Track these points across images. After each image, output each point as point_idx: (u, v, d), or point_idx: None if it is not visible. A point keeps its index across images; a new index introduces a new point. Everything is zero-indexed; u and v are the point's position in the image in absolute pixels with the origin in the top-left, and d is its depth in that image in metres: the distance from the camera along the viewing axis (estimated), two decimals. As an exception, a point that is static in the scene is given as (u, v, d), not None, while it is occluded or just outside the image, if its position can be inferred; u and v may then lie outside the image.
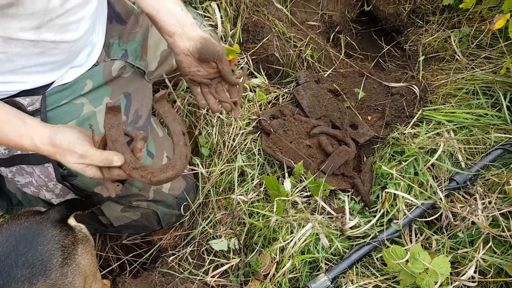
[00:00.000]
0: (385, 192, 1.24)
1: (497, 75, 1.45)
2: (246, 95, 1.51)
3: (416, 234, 1.20)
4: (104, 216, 1.23)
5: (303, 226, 1.18)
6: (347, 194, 1.34)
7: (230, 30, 1.55)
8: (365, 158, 1.44)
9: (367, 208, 1.31)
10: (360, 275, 1.16)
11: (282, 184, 1.24)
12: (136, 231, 1.34)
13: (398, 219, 1.21)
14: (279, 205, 1.19)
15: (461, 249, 1.14)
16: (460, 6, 1.58)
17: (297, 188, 1.26)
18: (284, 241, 1.14)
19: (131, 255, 1.36)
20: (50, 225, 0.93)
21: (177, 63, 1.07)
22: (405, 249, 1.09)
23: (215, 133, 1.42)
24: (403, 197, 1.22)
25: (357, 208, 1.30)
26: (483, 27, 1.63)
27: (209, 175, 1.37)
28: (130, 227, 1.28)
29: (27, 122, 0.86)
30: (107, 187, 0.87)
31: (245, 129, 1.46)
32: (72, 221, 1.01)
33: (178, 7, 1.04)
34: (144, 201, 1.22)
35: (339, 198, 1.33)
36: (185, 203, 1.30)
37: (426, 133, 1.35)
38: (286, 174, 1.27)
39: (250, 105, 1.51)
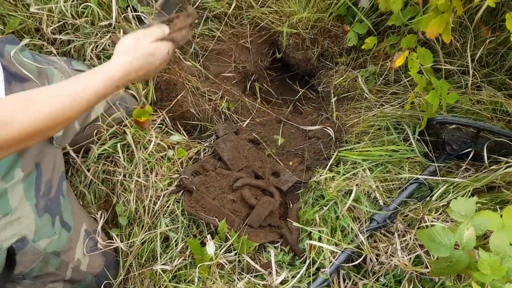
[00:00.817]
0: (307, 243, 1.23)
1: (404, 110, 1.53)
2: (166, 154, 1.47)
3: (344, 280, 1.19)
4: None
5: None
6: (276, 245, 1.32)
7: (143, 90, 1.51)
8: (291, 205, 1.44)
9: (297, 258, 1.29)
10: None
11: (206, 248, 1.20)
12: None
13: (325, 267, 1.20)
14: (203, 272, 1.14)
15: (389, 290, 1.15)
16: (363, 47, 1.67)
17: (222, 248, 1.22)
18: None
19: None
20: None
21: None
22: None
23: (133, 199, 1.36)
24: (326, 242, 1.22)
25: (286, 259, 1.28)
26: (387, 64, 1.73)
27: (130, 246, 1.30)
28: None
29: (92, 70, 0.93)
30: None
31: (166, 190, 1.41)
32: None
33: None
34: (61, 281, 1.12)
35: (268, 251, 1.30)
36: (105, 281, 1.21)
37: (343, 175, 1.37)
38: (209, 236, 1.23)
39: (170, 164, 1.47)
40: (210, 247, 1.17)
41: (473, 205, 0.95)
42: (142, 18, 1.60)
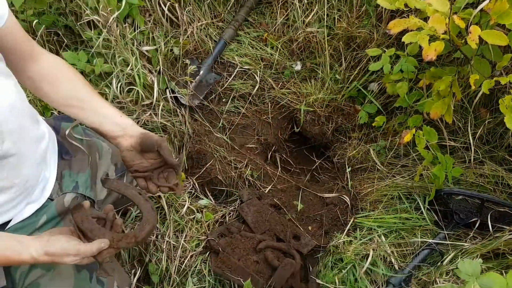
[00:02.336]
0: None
1: (414, 181, 1.66)
2: (194, 217, 1.60)
3: None
4: None
5: None
6: (298, 307, 1.39)
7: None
8: (310, 268, 1.53)
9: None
10: None
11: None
12: None
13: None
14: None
15: None
16: (373, 124, 1.86)
17: (247, 307, 1.30)
18: None
19: None
20: None
21: (122, 159, 1.14)
22: None
23: (164, 258, 1.46)
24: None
25: (307, 319, 1.34)
26: (396, 139, 1.91)
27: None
28: None
29: (21, 240, 0.95)
30: (104, 269, 1.01)
31: (194, 250, 1.52)
32: None
33: (117, 115, 1.15)
34: None
35: (290, 312, 1.37)
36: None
37: (360, 240, 1.48)
38: None
39: (198, 226, 1.59)
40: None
41: (478, 266, 1.05)
42: (179, 97, 1.84)
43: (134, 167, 1.16)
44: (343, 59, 1.94)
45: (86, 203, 1.04)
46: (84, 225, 0.98)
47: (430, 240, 1.43)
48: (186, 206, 1.61)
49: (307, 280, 1.48)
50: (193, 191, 1.68)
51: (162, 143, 1.12)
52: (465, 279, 1.03)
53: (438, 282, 1.27)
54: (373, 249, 1.40)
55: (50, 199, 1.18)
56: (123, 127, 1.13)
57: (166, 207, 1.56)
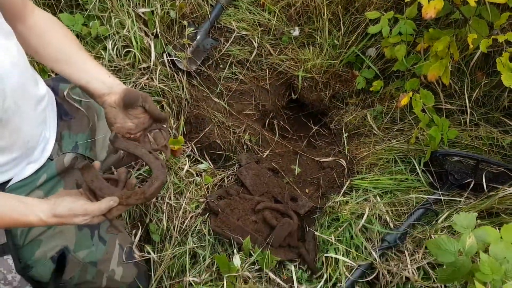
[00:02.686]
0: (325, 256, 1.34)
1: (410, 144, 1.69)
2: (193, 180, 1.63)
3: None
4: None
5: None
6: (295, 263, 1.43)
7: (174, 124, 1.70)
8: (307, 228, 1.56)
9: (314, 276, 1.39)
10: None
11: (233, 260, 1.32)
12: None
13: (341, 283, 1.30)
14: (229, 282, 1.25)
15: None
16: (371, 89, 1.87)
17: (246, 263, 1.33)
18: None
19: None
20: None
21: (105, 116, 1.10)
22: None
23: (165, 219, 1.49)
24: (343, 260, 1.33)
25: (304, 276, 1.38)
26: (393, 104, 1.92)
27: (161, 260, 1.41)
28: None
29: (26, 202, 0.95)
30: (115, 226, 1.02)
31: (194, 212, 1.55)
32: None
33: (106, 75, 1.12)
34: None
35: (288, 269, 1.41)
36: (138, 291, 1.32)
37: (356, 200, 1.51)
38: (235, 250, 1.35)
39: (198, 189, 1.62)
40: (237, 260, 1.29)
41: (473, 219, 1.08)
42: (176, 61, 1.83)
43: (117, 126, 1.10)
44: (341, 24, 1.92)
45: (96, 164, 1.03)
46: (94, 184, 0.98)
47: (425, 197, 1.46)
48: (185, 170, 1.63)
49: (304, 240, 1.51)
50: (192, 155, 1.69)
51: (147, 97, 1.08)
52: (460, 231, 1.06)
53: (433, 238, 1.30)
54: (368, 208, 1.43)
55: (50, 159, 1.19)
56: (110, 86, 1.09)
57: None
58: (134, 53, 1.71)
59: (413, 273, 1.25)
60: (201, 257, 1.41)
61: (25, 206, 0.95)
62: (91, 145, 1.33)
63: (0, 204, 0.93)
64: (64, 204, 0.95)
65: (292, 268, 1.37)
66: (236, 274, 1.27)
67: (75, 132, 1.29)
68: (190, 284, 1.33)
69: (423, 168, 1.62)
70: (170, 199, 1.54)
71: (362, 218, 1.44)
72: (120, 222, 1.06)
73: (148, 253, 1.41)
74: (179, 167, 1.61)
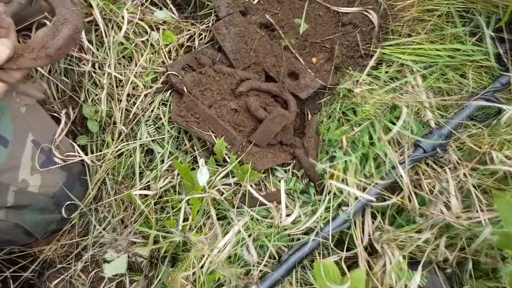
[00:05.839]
0: (330, 175, 0.94)
1: (479, -10, 1.08)
2: (147, 39, 1.10)
3: (369, 224, 0.94)
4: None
5: (226, 232, 0.89)
6: (288, 168, 1.04)
7: None
8: (309, 116, 1.12)
9: (311, 184, 1.02)
10: (301, 281, 0.92)
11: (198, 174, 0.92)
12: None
13: (349, 204, 0.94)
14: (194, 206, 0.88)
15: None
16: None
17: (218, 174, 0.94)
18: (200, 258, 0.86)
19: (12, 269, 1.05)
20: None
21: None
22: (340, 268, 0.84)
23: (105, 98, 1.04)
24: (354, 176, 0.93)
25: (299, 187, 1.01)
26: None
27: (102, 158, 1.02)
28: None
29: None
30: (25, 92, 0.84)
31: (150, 87, 1.08)
32: None
33: None
34: (1, 209, 0.87)
35: (277, 176, 1.03)
36: (68, 202, 0.96)
37: (385, 83, 1.02)
38: (201, 161, 0.94)
39: (155, 52, 1.10)
40: (203, 176, 0.89)
41: None
42: None
43: None
44: None
45: None
46: None
47: (487, 87, 0.97)
48: (134, 22, 1.08)
49: (303, 132, 1.09)
50: (143, -2, 1.11)
51: None
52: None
53: (495, 159, 0.87)
54: (406, 105, 0.95)
55: None
56: None
57: (101, 22, 1.04)
58: None
59: (454, 209, 0.87)
60: (158, 156, 1.01)
61: None
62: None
63: None
64: None
65: (282, 182, 0.98)
66: (202, 195, 0.89)
67: None
68: (142, 196, 0.97)
69: (494, 34, 1.07)
70: (112, 68, 1.05)
71: (391, 111, 0.98)
72: (35, 86, 0.83)
73: (77, 151, 1.00)
74: (123, 17, 1.06)
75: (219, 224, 0.93)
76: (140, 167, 1.01)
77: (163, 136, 1.03)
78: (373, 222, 0.93)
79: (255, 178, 0.92)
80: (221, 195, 0.92)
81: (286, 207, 0.95)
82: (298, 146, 1.05)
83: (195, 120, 0.99)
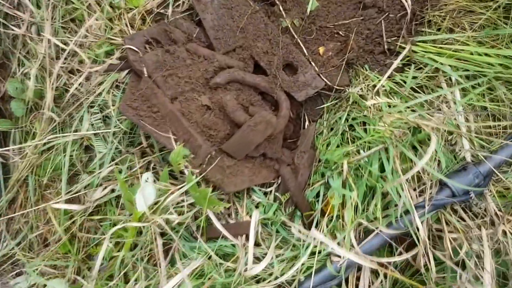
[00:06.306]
0: (323, 206, 0.69)
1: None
2: (106, -3, 0.83)
3: (365, 285, 0.70)
4: None
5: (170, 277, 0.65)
6: (269, 189, 0.80)
7: None
8: (307, 123, 0.86)
9: (298, 214, 0.78)
10: None
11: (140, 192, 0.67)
12: None
13: (341, 253, 0.69)
14: (128, 238, 0.64)
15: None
16: None
17: (169, 195, 0.69)
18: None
19: None
20: None
21: None
22: None
23: (35, 72, 0.78)
24: (351, 220, 0.68)
25: (279, 218, 0.76)
26: None
27: (24, 153, 0.78)
28: None
29: None
30: None
31: (101, 62, 0.82)
32: None
33: None
34: None
35: (253, 200, 0.78)
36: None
37: (408, 97, 0.75)
38: (147, 175, 0.68)
39: (114, 18, 0.84)
40: (145, 198, 0.64)
41: None
42: None
43: None
44: None
45: None
46: None
47: None
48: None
49: (295, 144, 0.83)
50: None
51: None
52: None
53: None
54: (434, 128, 0.68)
55: None
56: None
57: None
58: None
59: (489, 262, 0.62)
60: (97, 158, 0.77)
61: None
62: None
63: None
64: None
65: (254, 216, 0.73)
66: (141, 224, 0.64)
67: None
68: (67, 212, 0.73)
69: None
70: (52, 33, 0.79)
71: (414, 133, 0.72)
72: None
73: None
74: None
75: (167, 260, 0.69)
76: (75, 167, 0.77)
77: (109, 130, 0.78)
78: (372, 283, 0.68)
79: (216, 207, 0.67)
80: (173, 220, 0.68)
81: (258, 245, 0.71)
82: (285, 162, 0.79)
83: (151, 115, 0.74)
